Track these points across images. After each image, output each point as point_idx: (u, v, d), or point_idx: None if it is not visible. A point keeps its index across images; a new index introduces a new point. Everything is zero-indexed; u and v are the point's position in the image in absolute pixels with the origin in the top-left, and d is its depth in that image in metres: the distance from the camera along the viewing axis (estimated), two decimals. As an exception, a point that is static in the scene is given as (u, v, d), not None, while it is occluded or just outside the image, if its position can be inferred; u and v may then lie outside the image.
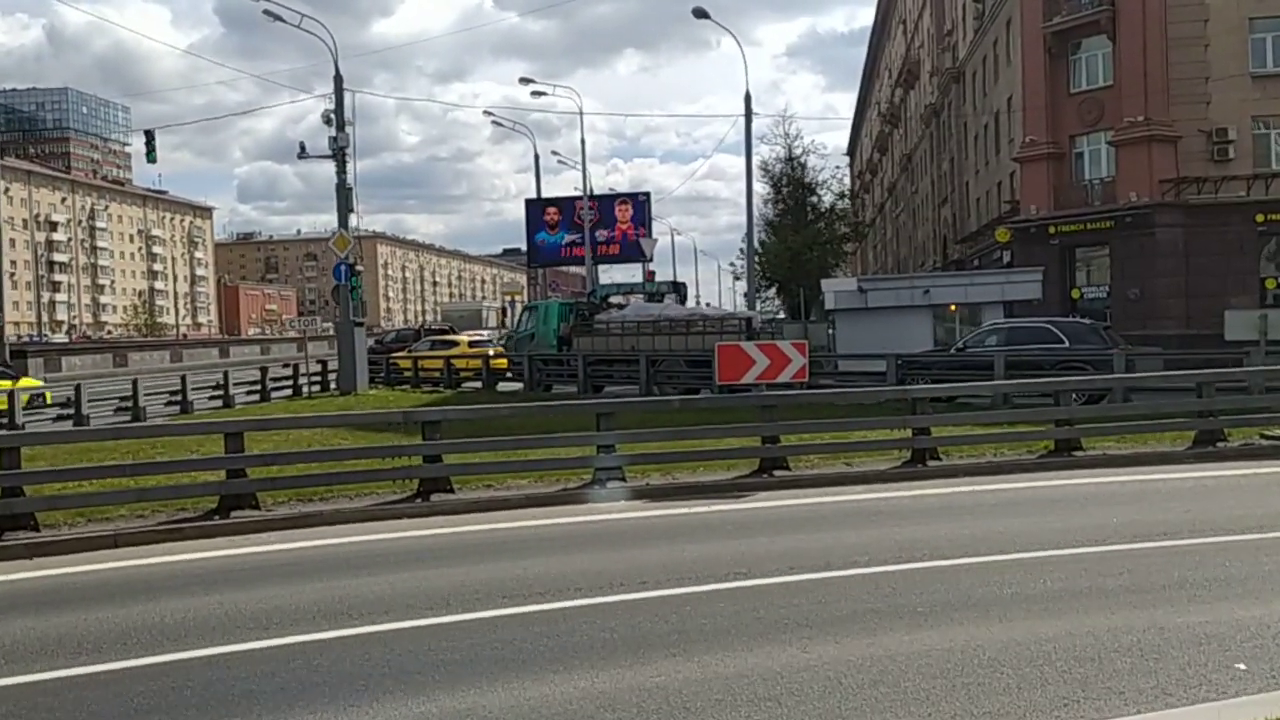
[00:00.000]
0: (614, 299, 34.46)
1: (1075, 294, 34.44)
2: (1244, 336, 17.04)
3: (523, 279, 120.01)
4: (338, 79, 29.28)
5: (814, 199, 46.32)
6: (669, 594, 7.64)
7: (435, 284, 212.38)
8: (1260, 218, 31.80)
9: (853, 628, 6.67)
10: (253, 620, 7.33)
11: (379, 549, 9.72)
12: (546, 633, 6.81)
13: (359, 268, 31.57)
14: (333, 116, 29.44)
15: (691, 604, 7.36)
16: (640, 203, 53.64)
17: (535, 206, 52.96)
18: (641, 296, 34.68)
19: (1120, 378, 17.70)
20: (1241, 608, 6.74)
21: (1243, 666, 5.72)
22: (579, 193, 49.95)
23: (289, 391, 29.36)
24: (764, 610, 7.13)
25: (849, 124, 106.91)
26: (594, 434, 12.64)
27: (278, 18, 28.85)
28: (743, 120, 33.82)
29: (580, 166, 48.65)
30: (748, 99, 33.30)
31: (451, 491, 12.01)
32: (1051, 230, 34.59)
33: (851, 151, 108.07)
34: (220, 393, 26.64)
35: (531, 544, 9.74)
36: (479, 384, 30.54)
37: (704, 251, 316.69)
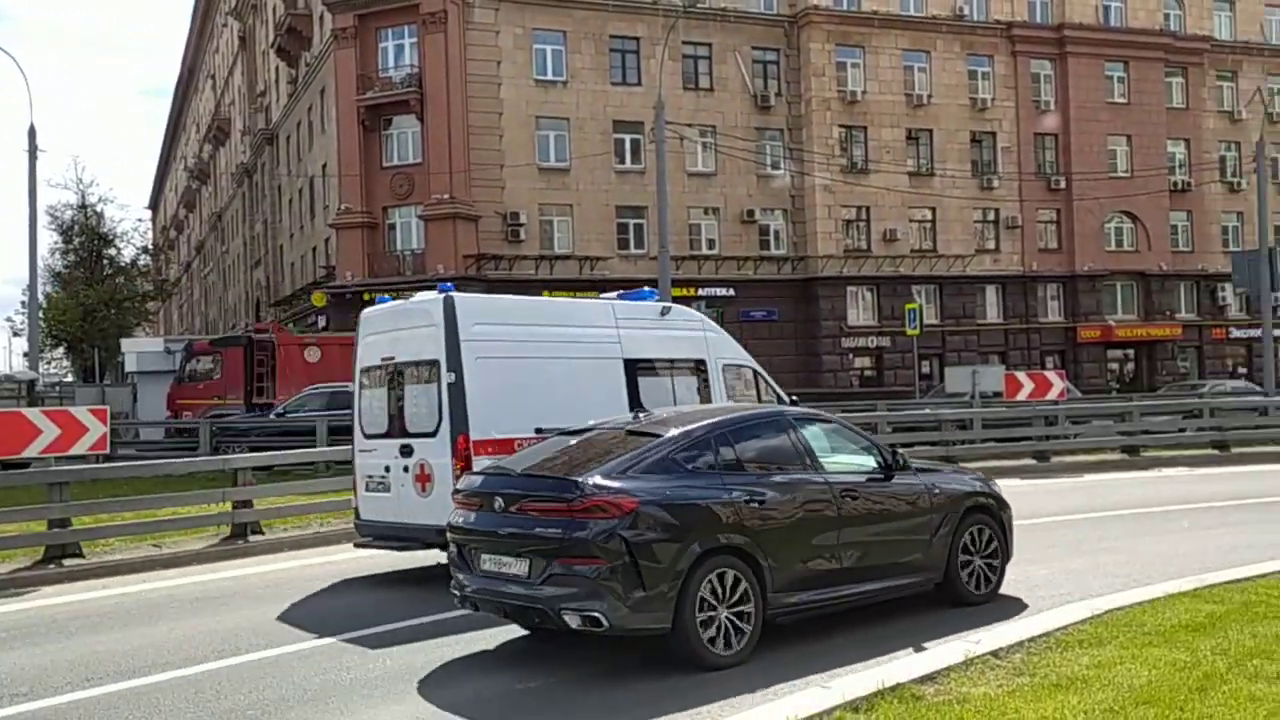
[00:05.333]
0: None
1: (388, 359, 35.49)
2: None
3: None
4: None
5: (112, 252, 42.54)
6: (-86, 739, 5.85)
7: None
8: (546, 294, 35.71)
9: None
10: None
11: None
12: None
13: None
14: None
15: (-51, 748, 5.69)
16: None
17: None
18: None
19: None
20: None
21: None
22: None
23: None
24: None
25: (151, 177, 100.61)
26: None
27: None
28: (25, 156, 29.47)
29: None
30: (32, 132, 29.17)
31: None
32: (367, 297, 35.14)
33: (155, 205, 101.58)
34: None
35: None
36: None
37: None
